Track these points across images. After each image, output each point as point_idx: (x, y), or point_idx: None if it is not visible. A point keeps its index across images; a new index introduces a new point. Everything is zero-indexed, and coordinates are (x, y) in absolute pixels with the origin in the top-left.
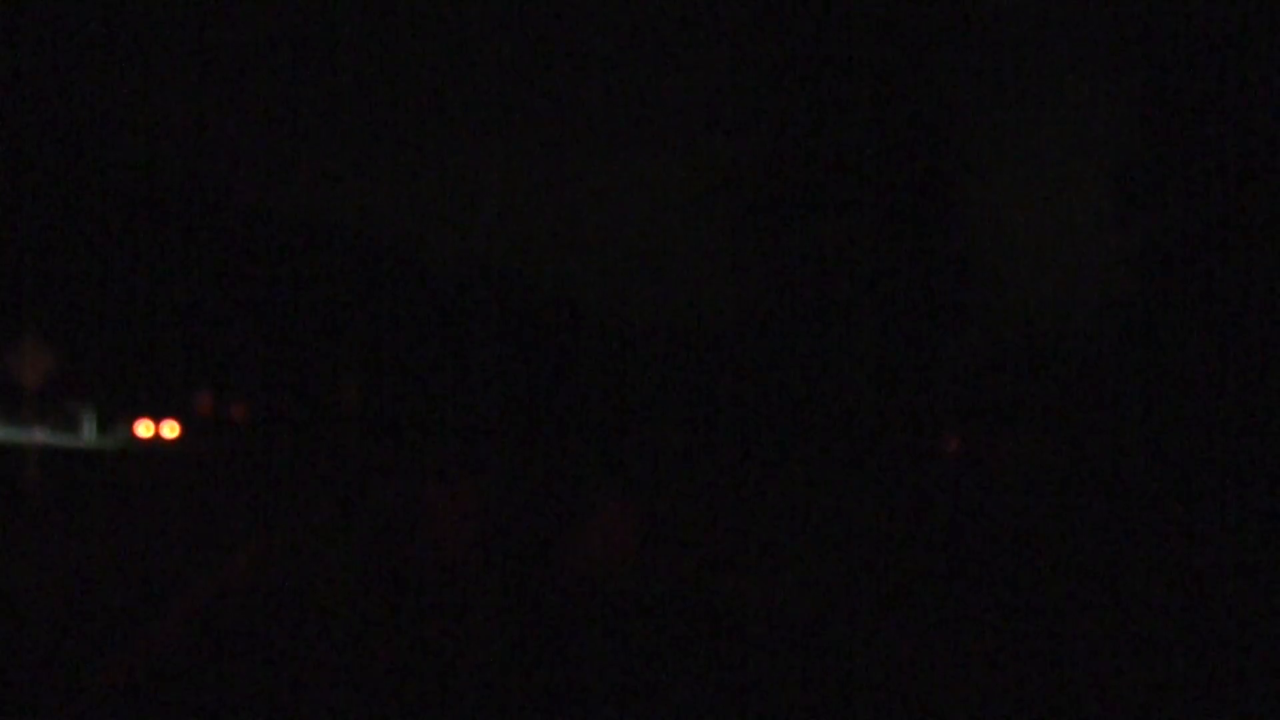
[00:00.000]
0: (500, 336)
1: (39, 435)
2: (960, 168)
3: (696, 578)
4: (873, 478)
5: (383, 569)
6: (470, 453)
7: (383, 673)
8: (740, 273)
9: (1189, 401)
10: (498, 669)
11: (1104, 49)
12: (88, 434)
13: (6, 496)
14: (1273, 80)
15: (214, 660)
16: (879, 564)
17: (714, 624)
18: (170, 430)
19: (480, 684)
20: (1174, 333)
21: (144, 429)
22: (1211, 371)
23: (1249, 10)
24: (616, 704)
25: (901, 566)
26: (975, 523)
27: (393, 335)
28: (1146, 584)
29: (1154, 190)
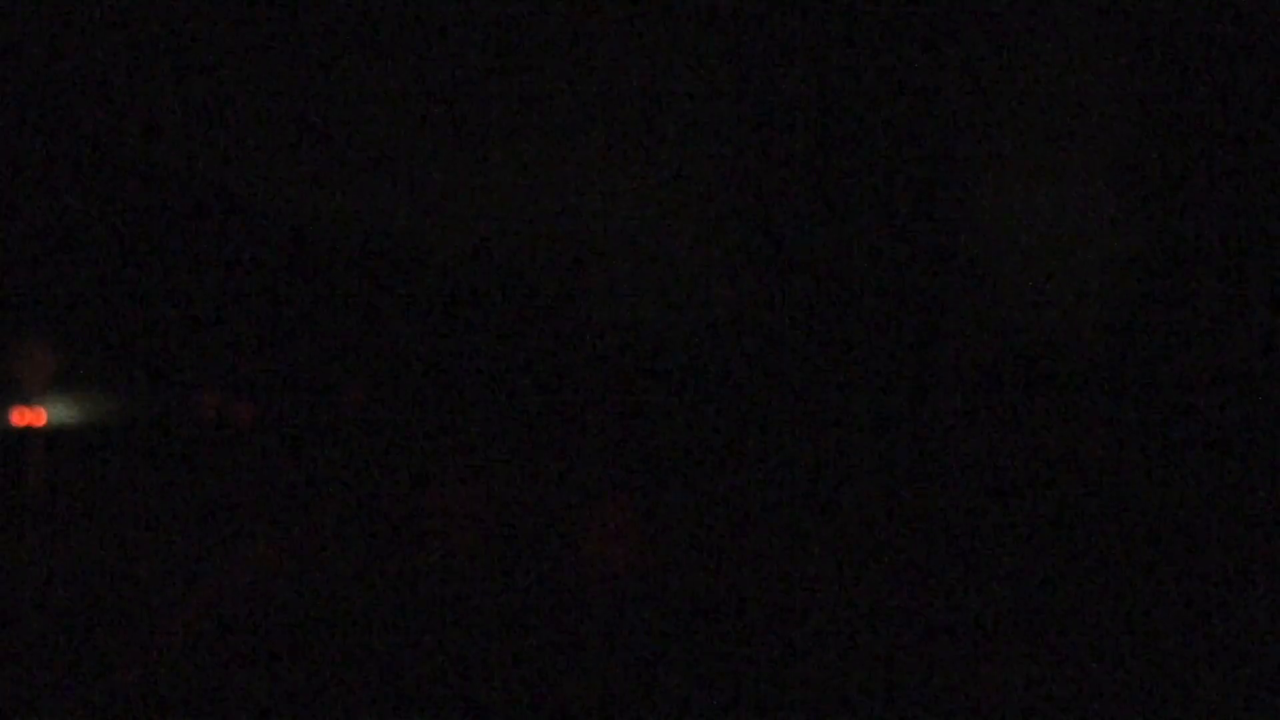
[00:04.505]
0: (501, 336)
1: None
2: (960, 168)
3: (696, 577)
4: (873, 475)
5: (386, 568)
6: (473, 453)
7: (385, 672)
8: (739, 272)
9: (1189, 401)
10: (499, 668)
11: (1106, 49)
12: None
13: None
14: (1274, 80)
15: (219, 661)
16: (880, 562)
17: (714, 623)
18: (37, 419)
19: (482, 683)
20: (1175, 332)
21: (18, 417)
22: (1212, 370)
23: (1250, 10)
24: (616, 704)
25: (902, 565)
26: (975, 521)
27: (395, 336)
28: (1144, 585)
29: (1156, 191)
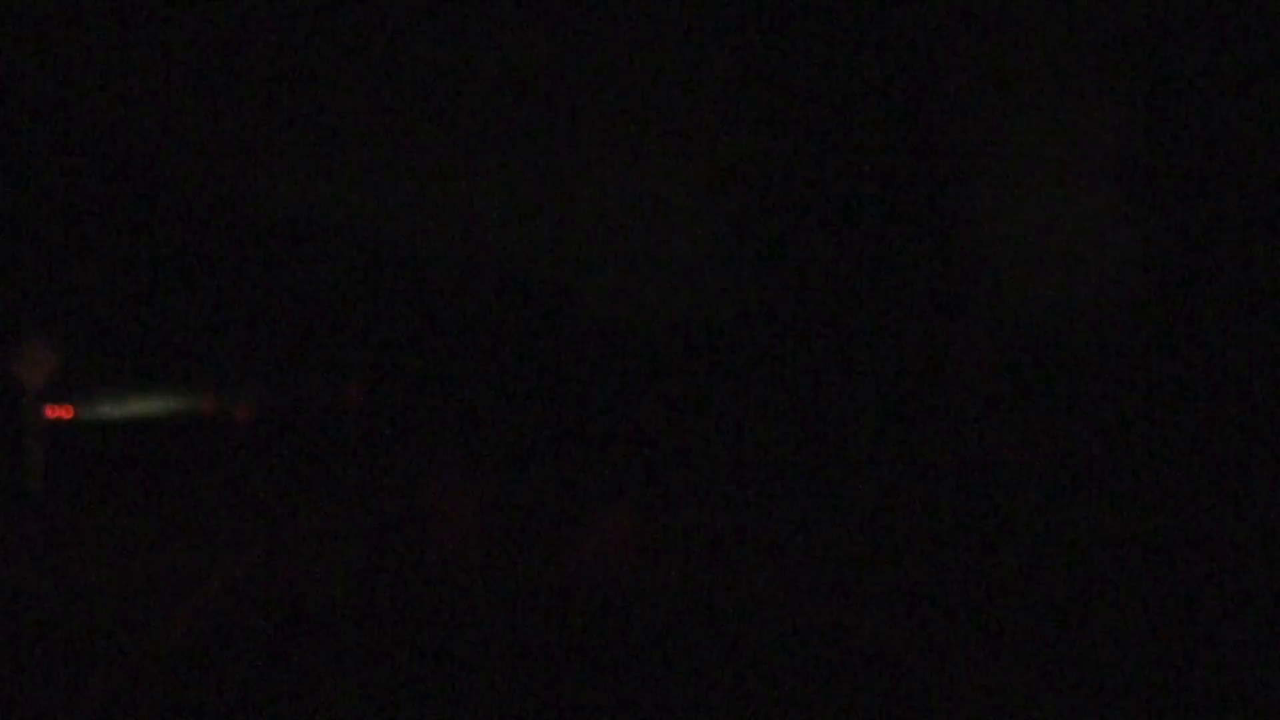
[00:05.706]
0: (500, 336)
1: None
2: (962, 167)
3: (696, 577)
4: (874, 476)
5: (385, 569)
6: (471, 452)
7: (384, 672)
8: (740, 272)
9: (1193, 400)
10: (498, 669)
11: (1106, 47)
12: None
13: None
14: (1275, 77)
15: (219, 659)
16: (881, 563)
17: (714, 624)
18: (64, 412)
19: (481, 684)
20: (1177, 332)
21: (53, 411)
22: (1215, 370)
23: (1250, 8)
24: (616, 705)
25: (903, 565)
26: (977, 521)
27: (394, 335)
28: (1147, 583)
29: (1157, 189)
